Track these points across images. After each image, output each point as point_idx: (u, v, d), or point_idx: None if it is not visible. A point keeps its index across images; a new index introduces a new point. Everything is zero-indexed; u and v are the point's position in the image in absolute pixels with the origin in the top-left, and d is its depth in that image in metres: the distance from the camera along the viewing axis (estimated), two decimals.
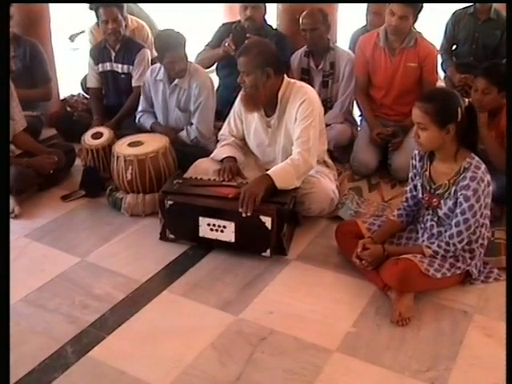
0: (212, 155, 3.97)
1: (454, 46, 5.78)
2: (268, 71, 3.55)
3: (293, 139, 3.67)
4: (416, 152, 3.24)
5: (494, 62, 4.26)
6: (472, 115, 3.01)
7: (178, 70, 4.23)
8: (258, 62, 3.53)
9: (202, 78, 4.33)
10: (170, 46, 4.14)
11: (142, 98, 4.60)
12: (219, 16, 6.90)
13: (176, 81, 4.33)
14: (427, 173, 3.16)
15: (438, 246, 3.06)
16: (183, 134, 4.40)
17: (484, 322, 2.99)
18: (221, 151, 3.92)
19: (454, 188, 3.02)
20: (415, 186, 3.26)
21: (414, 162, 3.26)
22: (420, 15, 4.29)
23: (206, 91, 4.31)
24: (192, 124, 4.40)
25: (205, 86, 4.32)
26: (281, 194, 3.48)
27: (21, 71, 4.73)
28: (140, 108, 4.62)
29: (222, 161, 3.87)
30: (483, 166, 3.01)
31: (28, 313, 3.04)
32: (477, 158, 3.02)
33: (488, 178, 3.01)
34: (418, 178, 3.23)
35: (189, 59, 4.33)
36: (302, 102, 3.62)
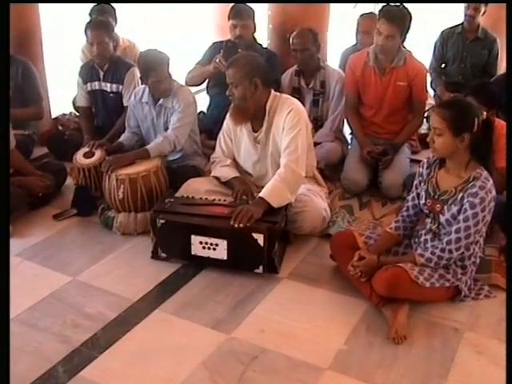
0: (216, 174, 3.93)
1: (443, 65, 5.86)
2: (256, 81, 3.59)
3: (281, 149, 3.69)
4: (424, 160, 3.27)
5: (482, 82, 4.31)
6: (488, 129, 3.03)
7: (163, 89, 4.21)
8: (246, 73, 3.58)
9: (184, 94, 4.29)
10: (155, 65, 4.13)
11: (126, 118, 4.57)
12: (210, 36, 6.94)
13: (161, 101, 4.30)
14: (433, 179, 3.18)
15: (432, 253, 3.07)
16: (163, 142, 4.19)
17: (475, 339, 3.00)
18: (226, 171, 3.90)
19: (461, 194, 3.03)
20: (418, 194, 3.27)
21: (420, 169, 3.27)
22: (409, 35, 4.33)
23: (187, 104, 4.24)
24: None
25: (187, 100, 4.26)
26: (272, 212, 3.49)
27: (13, 90, 4.71)
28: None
29: (225, 182, 3.87)
30: (492, 181, 3.03)
31: (19, 332, 3.02)
32: (486, 172, 3.04)
33: (494, 192, 3.03)
34: (422, 184, 3.24)
35: (173, 78, 4.28)
36: (289, 111, 3.65)
